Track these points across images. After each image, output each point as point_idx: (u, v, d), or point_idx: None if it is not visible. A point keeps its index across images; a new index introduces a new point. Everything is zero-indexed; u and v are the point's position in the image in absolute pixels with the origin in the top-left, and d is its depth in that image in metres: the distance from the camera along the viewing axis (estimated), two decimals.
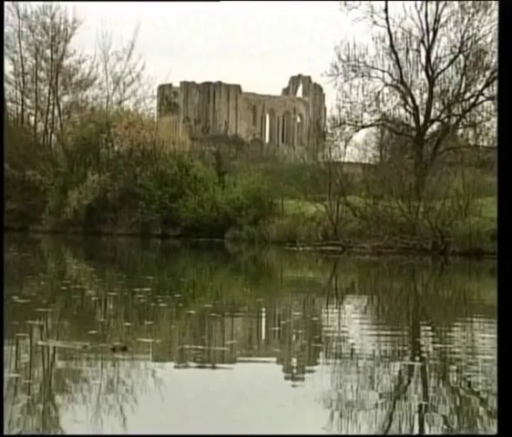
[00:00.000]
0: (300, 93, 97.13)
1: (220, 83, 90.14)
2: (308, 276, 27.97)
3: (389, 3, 45.88)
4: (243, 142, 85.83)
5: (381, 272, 30.00)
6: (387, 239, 37.81)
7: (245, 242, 44.57)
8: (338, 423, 7.53)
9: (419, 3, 45.65)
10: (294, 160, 73.24)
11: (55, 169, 56.29)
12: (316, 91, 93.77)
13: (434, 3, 45.70)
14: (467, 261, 34.09)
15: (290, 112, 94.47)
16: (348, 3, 44.97)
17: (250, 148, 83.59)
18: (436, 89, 46.62)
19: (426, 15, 45.61)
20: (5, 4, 59.59)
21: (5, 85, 62.28)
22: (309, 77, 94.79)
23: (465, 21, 45.06)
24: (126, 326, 13.05)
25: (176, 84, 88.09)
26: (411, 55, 46.37)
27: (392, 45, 46.15)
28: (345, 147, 48.84)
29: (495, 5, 43.57)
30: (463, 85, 46.03)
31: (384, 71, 46.57)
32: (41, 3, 63.73)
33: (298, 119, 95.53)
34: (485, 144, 46.52)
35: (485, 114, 46.03)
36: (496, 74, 43.47)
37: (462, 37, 45.37)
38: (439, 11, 45.65)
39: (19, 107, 64.77)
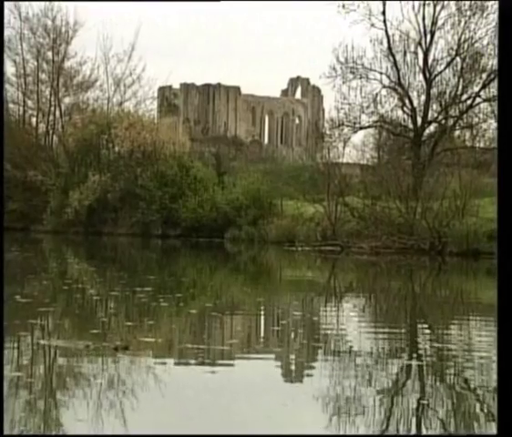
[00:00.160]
0: (298, 94, 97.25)
1: (219, 84, 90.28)
2: (307, 275, 28.06)
3: (387, 6, 46.24)
4: (242, 143, 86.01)
5: (379, 272, 30.08)
6: (385, 240, 37.97)
7: (244, 242, 44.61)
8: (338, 421, 7.66)
9: (416, 6, 45.99)
10: (293, 161, 73.32)
11: (56, 170, 56.44)
12: (315, 93, 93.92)
13: (431, 6, 45.99)
14: (464, 261, 34.16)
15: (288, 113, 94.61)
16: (346, 5, 45.27)
17: (250, 149, 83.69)
18: (434, 91, 46.86)
19: (424, 18, 45.87)
20: (8, 7, 60.10)
21: (7, 86, 62.63)
22: (307, 79, 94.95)
23: (462, 24, 45.28)
24: (127, 325, 13.10)
25: (176, 85, 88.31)
26: (408, 57, 46.68)
27: (389, 48, 46.40)
28: (344, 148, 49.13)
29: (491, 8, 43.93)
30: (460, 87, 46.25)
31: (381, 73, 46.86)
32: (42, 5, 64.04)
33: (297, 121, 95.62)
34: (481, 145, 46.79)
35: (481, 115, 46.32)
36: (492, 76, 43.80)
37: (459, 40, 45.58)
38: (436, 14, 45.92)
39: (21, 109, 64.92)
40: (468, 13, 45.18)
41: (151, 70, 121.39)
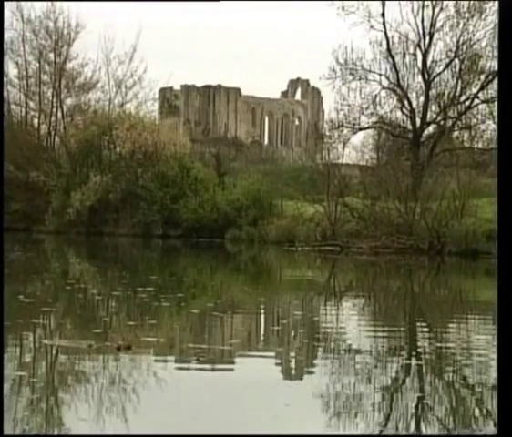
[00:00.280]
0: (298, 96, 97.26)
1: (219, 86, 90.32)
2: (307, 275, 28.13)
3: (386, 8, 46.47)
4: (243, 144, 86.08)
5: (378, 272, 30.18)
6: (384, 240, 38.09)
7: (245, 242, 44.61)
8: (338, 419, 7.77)
9: (416, 7, 46.19)
10: (293, 162, 73.46)
11: (58, 171, 56.50)
12: (314, 94, 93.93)
13: (430, 8, 46.18)
14: (463, 261, 34.27)
15: (288, 114, 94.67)
16: (346, 7, 45.48)
17: (250, 150, 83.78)
18: (432, 92, 47.04)
19: (423, 20, 46.04)
20: (10, 9, 60.27)
21: (10, 88, 62.71)
22: (307, 81, 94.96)
23: (461, 25, 45.45)
24: (130, 325, 13.14)
25: (177, 87, 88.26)
26: (407, 58, 46.85)
27: (389, 49, 46.56)
28: (343, 149, 49.34)
29: (489, 10, 44.14)
30: (458, 88, 46.43)
31: (381, 74, 47.03)
32: (44, 8, 64.03)
33: (296, 122, 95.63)
34: (480, 146, 47.01)
35: (480, 116, 46.47)
36: (490, 77, 43.99)
37: (457, 42, 45.74)
38: (435, 16, 46.08)
39: (23, 110, 64.88)
40: (467, 15, 45.36)
41: (152, 72, 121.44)
